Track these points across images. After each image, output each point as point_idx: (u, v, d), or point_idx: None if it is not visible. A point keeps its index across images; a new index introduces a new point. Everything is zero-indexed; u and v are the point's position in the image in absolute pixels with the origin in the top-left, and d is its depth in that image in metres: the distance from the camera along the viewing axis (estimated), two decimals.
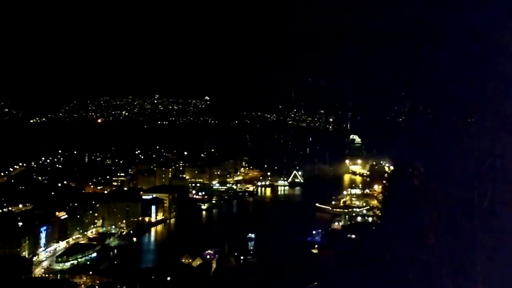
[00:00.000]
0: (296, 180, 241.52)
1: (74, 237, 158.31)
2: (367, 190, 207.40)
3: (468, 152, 13.90)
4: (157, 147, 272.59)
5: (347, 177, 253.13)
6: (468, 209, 13.62)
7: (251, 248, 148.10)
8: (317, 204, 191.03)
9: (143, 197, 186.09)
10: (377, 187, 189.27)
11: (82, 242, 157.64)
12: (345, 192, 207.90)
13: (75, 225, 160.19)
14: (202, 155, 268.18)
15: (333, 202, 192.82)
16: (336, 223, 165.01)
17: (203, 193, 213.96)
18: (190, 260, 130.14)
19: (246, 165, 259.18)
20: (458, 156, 14.28)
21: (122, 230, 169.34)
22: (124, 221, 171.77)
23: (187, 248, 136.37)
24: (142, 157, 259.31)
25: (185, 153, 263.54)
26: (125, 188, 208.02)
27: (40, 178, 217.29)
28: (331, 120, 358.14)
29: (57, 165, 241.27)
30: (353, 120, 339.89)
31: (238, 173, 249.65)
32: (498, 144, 13.48)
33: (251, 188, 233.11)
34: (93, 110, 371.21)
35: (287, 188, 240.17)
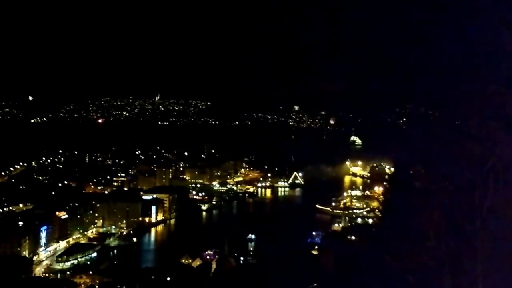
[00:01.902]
0: (297, 181, 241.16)
1: (74, 237, 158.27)
2: (367, 192, 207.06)
3: (469, 154, 13.91)
4: (158, 147, 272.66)
5: (347, 179, 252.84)
6: (469, 211, 13.63)
7: (251, 249, 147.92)
8: (317, 206, 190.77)
9: (143, 197, 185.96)
10: (377, 189, 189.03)
11: (82, 242, 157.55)
12: (345, 194, 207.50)
13: (76, 225, 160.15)
14: (202, 155, 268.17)
15: (333, 204, 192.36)
16: (336, 225, 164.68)
17: (203, 193, 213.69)
18: (190, 261, 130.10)
19: (247, 166, 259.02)
20: (459, 158, 14.29)
21: (122, 230, 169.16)
22: (124, 221, 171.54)
23: (187, 249, 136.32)
24: (142, 157, 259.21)
25: (186, 153, 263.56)
26: (126, 189, 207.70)
27: (40, 178, 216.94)
28: (331, 121, 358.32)
29: (57, 165, 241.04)
30: (354, 121, 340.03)
31: (239, 174, 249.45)
32: (499, 146, 13.50)
33: (251, 189, 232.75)
34: (94, 110, 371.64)
35: (287, 189, 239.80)
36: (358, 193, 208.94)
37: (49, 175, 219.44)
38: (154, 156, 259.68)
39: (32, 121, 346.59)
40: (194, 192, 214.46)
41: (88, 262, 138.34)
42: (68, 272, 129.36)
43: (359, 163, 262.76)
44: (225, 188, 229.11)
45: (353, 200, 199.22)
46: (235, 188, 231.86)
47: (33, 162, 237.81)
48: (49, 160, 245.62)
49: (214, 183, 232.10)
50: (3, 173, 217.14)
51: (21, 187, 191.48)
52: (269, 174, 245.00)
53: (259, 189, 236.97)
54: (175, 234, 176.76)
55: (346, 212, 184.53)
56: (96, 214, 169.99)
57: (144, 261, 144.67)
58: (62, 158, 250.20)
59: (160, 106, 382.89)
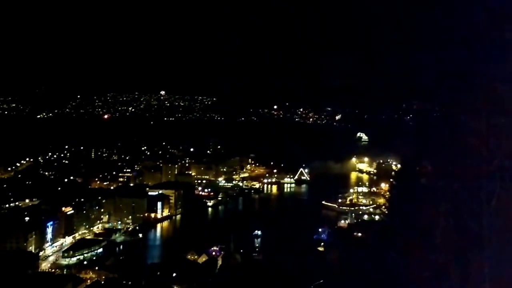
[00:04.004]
0: (303, 177, 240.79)
1: (80, 233, 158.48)
2: (373, 188, 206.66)
3: (475, 151, 13.79)
4: (163, 143, 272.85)
5: (353, 175, 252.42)
6: (475, 208, 13.52)
7: (257, 245, 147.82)
8: (323, 202, 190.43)
9: (149, 193, 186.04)
10: (384, 185, 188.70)
11: (88, 237, 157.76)
12: (351, 190, 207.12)
13: (81, 221, 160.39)
14: (208, 151, 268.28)
15: (340, 200, 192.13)
16: (342, 221, 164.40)
17: (209, 190, 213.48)
18: (196, 257, 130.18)
19: (252, 162, 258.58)
20: (465, 155, 14.17)
21: (128, 226, 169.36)
22: (130, 217, 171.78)
23: (192, 245, 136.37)
24: (148, 153, 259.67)
25: (191, 149, 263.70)
26: (131, 184, 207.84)
27: (46, 173, 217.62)
28: (338, 117, 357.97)
29: (63, 161, 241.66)
30: (360, 117, 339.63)
31: (244, 170, 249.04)
32: (506, 143, 13.37)
33: (257, 185, 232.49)
34: (99, 106, 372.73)
35: (293, 185, 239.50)
36: (365, 189, 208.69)
37: (55, 170, 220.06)
38: (160, 152, 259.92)
39: (38, 116, 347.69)
40: (200, 188, 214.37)
41: (94, 258, 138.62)
42: (74, 268, 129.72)
43: (366, 159, 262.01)
44: (231, 184, 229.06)
45: (360, 197, 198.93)
46: (241, 184, 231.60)
47: (39, 158, 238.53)
48: (55, 156, 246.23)
49: (220, 179, 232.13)
50: (9, 169, 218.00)
51: (27, 182, 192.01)
52: (275, 170, 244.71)
53: (265, 185, 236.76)
54: (180, 230, 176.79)
55: (353, 208, 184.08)
56: (102, 210, 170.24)
57: (149, 257, 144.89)
58: (68, 154, 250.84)
59: (166, 102, 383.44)
